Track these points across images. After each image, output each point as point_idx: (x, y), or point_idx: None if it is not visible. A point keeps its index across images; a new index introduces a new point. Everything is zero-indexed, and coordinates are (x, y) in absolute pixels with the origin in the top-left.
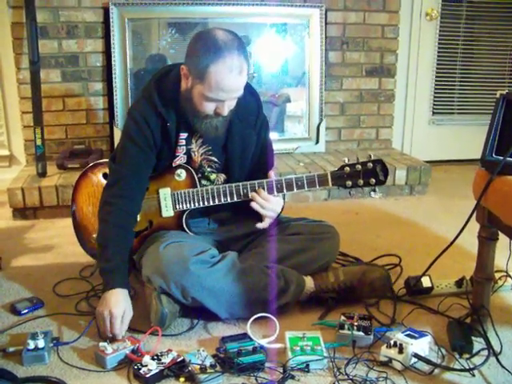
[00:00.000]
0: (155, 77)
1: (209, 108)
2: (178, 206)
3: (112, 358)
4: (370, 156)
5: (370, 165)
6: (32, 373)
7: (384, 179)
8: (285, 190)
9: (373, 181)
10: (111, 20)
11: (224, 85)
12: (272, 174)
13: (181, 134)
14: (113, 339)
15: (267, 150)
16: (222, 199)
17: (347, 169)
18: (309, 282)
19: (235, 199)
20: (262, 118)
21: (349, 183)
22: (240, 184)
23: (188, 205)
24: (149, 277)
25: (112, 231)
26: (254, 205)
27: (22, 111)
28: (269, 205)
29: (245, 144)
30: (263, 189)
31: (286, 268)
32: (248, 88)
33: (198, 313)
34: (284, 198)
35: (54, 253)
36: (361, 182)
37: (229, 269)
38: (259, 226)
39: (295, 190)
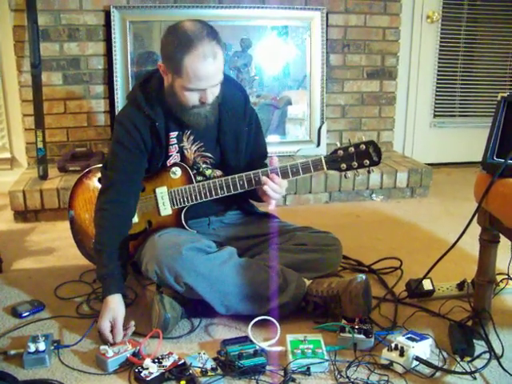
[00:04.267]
0: (139, 81)
1: (193, 98)
2: (175, 204)
3: (113, 361)
4: (362, 138)
5: (363, 146)
6: (33, 376)
7: (378, 160)
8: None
9: (367, 162)
10: (112, 23)
11: (201, 73)
12: (275, 160)
13: (171, 133)
14: (114, 343)
15: (261, 144)
16: (219, 192)
17: (340, 152)
18: (307, 284)
19: (232, 191)
20: (249, 109)
21: (343, 166)
22: (236, 176)
23: (186, 201)
24: (146, 266)
25: (107, 236)
26: (266, 189)
27: (24, 114)
28: (281, 190)
29: (237, 136)
30: (260, 180)
31: (287, 268)
32: (233, 82)
33: (197, 311)
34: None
35: (55, 255)
36: (355, 164)
37: (225, 259)
38: (271, 208)
39: (290, 177)
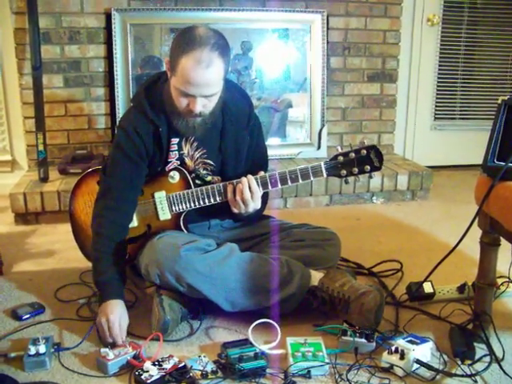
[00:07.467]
0: (144, 85)
1: (181, 103)
2: (174, 209)
3: (113, 364)
4: (364, 142)
5: (364, 152)
6: (33, 378)
7: (379, 165)
8: (279, 185)
9: (368, 168)
10: (113, 25)
11: (190, 77)
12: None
13: (172, 139)
14: (114, 345)
15: (261, 152)
16: (218, 198)
17: (341, 158)
18: (317, 276)
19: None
20: (253, 118)
21: (343, 172)
22: (234, 181)
23: (184, 206)
24: (146, 268)
25: (104, 244)
26: (238, 188)
27: (24, 116)
28: (249, 196)
29: (238, 145)
30: (257, 184)
31: (291, 259)
32: (239, 90)
33: (198, 312)
34: (265, 205)
35: (55, 258)
36: (355, 170)
37: (225, 255)
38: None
39: (289, 183)
